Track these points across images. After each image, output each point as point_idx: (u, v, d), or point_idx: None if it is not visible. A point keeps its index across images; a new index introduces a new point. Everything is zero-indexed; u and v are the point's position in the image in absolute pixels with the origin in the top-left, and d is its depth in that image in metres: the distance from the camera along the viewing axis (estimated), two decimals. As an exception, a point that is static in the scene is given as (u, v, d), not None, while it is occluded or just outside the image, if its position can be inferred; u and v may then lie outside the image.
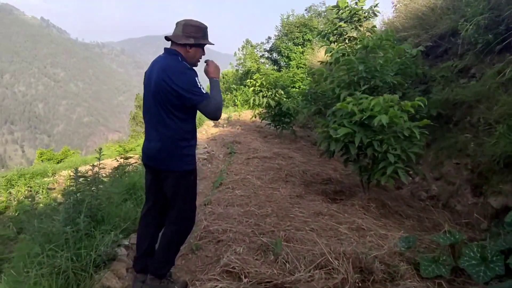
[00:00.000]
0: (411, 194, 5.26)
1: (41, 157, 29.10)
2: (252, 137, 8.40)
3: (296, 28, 25.59)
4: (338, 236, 3.31)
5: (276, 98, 8.44)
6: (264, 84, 8.37)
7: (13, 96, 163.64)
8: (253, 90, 8.58)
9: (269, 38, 28.02)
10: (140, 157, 7.09)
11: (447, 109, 5.23)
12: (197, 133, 9.18)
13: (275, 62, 26.47)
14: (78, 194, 2.85)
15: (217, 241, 3.07)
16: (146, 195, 2.57)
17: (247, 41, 28.51)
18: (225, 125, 10.93)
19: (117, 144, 8.17)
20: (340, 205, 4.24)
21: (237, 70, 28.62)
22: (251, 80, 8.55)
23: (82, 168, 14.37)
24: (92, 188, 3.10)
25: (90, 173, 6.64)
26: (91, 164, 3.75)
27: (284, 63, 25.85)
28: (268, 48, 27.42)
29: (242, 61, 27.89)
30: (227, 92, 28.21)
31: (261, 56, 27.90)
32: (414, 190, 5.32)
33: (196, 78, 2.23)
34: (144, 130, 2.53)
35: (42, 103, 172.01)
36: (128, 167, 8.13)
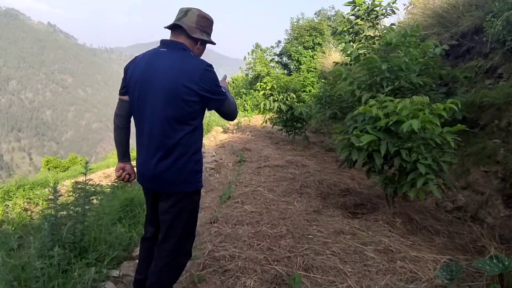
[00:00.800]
0: (436, 205, 4.84)
1: (47, 165, 29.15)
2: (263, 144, 8.04)
3: (306, 31, 25.55)
4: (364, 261, 2.91)
5: (288, 102, 8.08)
6: (275, 87, 8.01)
7: (20, 103, 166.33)
8: (264, 94, 8.23)
9: (279, 42, 28.03)
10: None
11: (473, 113, 4.83)
12: (205, 140, 8.83)
13: (285, 66, 26.44)
14: (58, 216, 2.46)
15: (223, 270, 2.70)
16: (148, 216, 2.21)
17: (257, 45, 28.48)
18: (234, 131, 10.59)
19: None
20: (362, 220, 3.84)
21: (246, 75, 28.63)
22: (261, 84, 8.19)
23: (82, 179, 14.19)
24: (76, 209, 2.70)
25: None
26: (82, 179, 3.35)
27: (294, 67, 25.79)
28: (278, 52, 27.45)
29: (252, 65, 27.84)
30: (236, 97, 28.04)
31: (271, 60, 27.88)
32: (439, 200, 4.90)
33: (215, 73, 1.92)
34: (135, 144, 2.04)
35: (50, 110, 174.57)
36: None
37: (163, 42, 1.96)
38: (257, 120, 12.46)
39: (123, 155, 2.17)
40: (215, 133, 10.45)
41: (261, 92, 8.25)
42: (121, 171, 2.15)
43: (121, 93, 2.06)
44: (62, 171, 24.68)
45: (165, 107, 1.83)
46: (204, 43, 2.01)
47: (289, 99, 8.16)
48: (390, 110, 3.50)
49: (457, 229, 4.00)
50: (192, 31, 1.91)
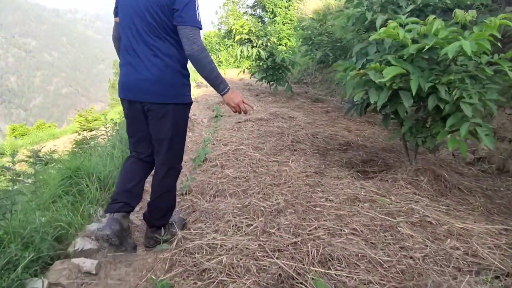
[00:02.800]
0: (453, 157, 4.02)
1: (13, 132, 27.07)
2: (244, 96, 6.96)
3: None
4: (400, 241, 2.02)
5: (268, 48, 6.93)
6: (254, 30, 6.78)
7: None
8: (240, 40, 7.01)
9: None
10: (107, 124, 5.55)
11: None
12: None
13: (259, 18, 24.95)
14: None
15: (200, 270, 1.73)
16: (129, 135, 2.18)
17: None
18: (208, 85, 9.38)
19: (78, 114, 6.72)
20: (377, 181, 2.94)
21: (219, 30, 26.99)
22: (237, 28, 6.94)
23: (40, 148, 12.70)
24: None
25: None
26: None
27: (269, 19, 24.45)
28: (251, 4, 25.83)
29: (224, 19, 26.17)
30: (210, 53, 26.41)
31: (244, 13, 26.25)
32: (456, 151, 4.09)
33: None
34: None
35: (14, 76, 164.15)
36: (90, 143, 6.69)
37: None
38: (233, 73, 11.23)
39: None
40: (187, 88, 9.23)
41: (237, 38, 7.01)
42: None
43: (114, 14, 2.06)
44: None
45: (149, 18, 1.84)
46: None
47: (269, 44, 7.00)
48: (420, 34, 2.50)
49: (488, 185, 3.19)
50: None
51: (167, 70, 1.90)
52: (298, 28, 19.58)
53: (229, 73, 10.64)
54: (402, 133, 2.73)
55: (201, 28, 1.85)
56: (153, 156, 2.14)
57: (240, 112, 2.01)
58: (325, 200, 2.56)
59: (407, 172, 3.00)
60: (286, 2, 23.84)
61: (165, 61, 1.89)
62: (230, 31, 24.96)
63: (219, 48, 24.60)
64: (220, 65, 13.20)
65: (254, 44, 7.01)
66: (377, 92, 2.53)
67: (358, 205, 2.51)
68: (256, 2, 25.36)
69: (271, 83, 7.31)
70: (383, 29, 2.50)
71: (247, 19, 25.38)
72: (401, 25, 2.60)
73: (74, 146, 7.09)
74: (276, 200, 2.54)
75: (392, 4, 3.06)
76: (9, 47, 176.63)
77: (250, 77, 7.67)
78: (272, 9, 23.84)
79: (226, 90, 1.94)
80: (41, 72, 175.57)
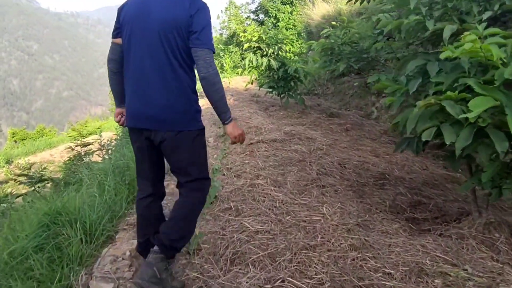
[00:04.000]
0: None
1: (13, 137, 26.50)
2: (250, 110, 6.28)
3: None
4: None
5: (279, 57, 6.26)
6: (264, 38, 6.12)
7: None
8: (249, 48, 6.34)
9: None
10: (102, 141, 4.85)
11: None
12: None
13: (261, 23, 24.47)
14: None
15: None
16: (140, 171, 2.00)
17: (231, 2, 26.24)
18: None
19: (76, 125, 6.05)
20: (438, 238, 2.27)
21: (221, 34, 26.43)
22: (246, 34, 6.28)
23: (35, 158, 11.97)
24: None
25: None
26: None
27: (272, 24, 23.98)
28: (253, 9, 25.38)
29: (226, 24, 25.67)
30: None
31: (246, 18, 25.77)
32: None
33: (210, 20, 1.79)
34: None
35: (16, 79, 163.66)
36: (83, 159, 6.00)
37: None
38: (238, 82, 10.53)
39: (120, 100, 2.02)
40: (190, 99, 8.55)
41: (246, 45, 6.35)
42: (120, 116, 2.08)
43: (113, 36, 1.94)
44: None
45: (161, 42, 1.73)
46: None
47: (281, 52, 6.32)
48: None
49: None
50: None
51: (179, 96, 1.79)
52: (303, 33, 18.95)
53: (233, 82, 9.95)
54: (481, 181, 2.04)
55: (214, 52, 1.78)
56: (163, 192, 2.09)
57: (238, 142, 1.92)
58: (382, 274, 1.87)
59: (475, 226, 2.32)
60: (290, 7, 23.34)
61: (178, 87, 1.78)
62: (233, 36, 24.45)
63: (222, 55, 24.04)
64: (223, 73, 12.47)
65: (264, 53, 6.33)
66: (455, 129, 1.85)
67: (427, 282, 1.83)
68: (258, 7, 24.86)
69: (281, 95, 6.64)
70: (453, 45, 1.83)
71: (249, 24, 24.92)
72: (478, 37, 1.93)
73: (68, 162, 6.42)
74: (316, 274, 1.85)
75: (457, 10, 2.39)
76: (12, 50, 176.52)
77: (259, 89, 6.99)
78: (275, 14, 23.32)
79: (230, 120, 1.85)
80: (43, 75, 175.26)
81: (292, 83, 6.60)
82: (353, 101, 7.70)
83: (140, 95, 1.81)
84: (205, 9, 1.76)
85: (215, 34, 27.49)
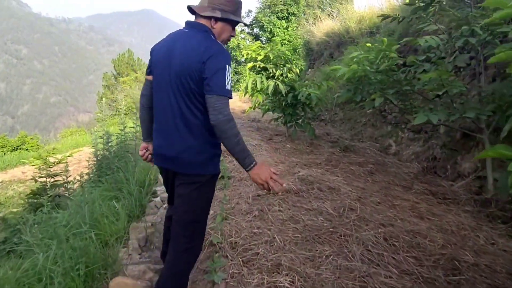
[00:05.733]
0: None
1: (-8, 144, 24.96)
2: (253, 142, 5.23)
3: (279, 0, 23.11)
4: None
5: (289, 78, 5.28)
6: (271, 57, 5.12)
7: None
8: (253, 68, 5.35)
9: (250, 11, 25.39)
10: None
11: None
12: None
13: (256, 38, 23.87)
14: None
15: None
16: (169, 195, 2.12)
17: None
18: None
19: (33, 157, 5.06)
20: None
21: (214, 47, 25.70)
22: (250, 52, 5.28)
23: (5, 175, 10.59)
24: None
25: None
26: None
27: (267, 39, 23.37)
28: (248, 23, 24.81)
29: (219, 36, 24.92)
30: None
31: (241, 31, 25.11)
32: None
33: (228, 65, 1.72)
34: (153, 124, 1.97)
35: (3, 82, 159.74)
36: (48, 193, 4.87)
37: (186, 23, 1.93)
38: (233, 101, 9.52)
39: (147, 135, 2.12)
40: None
41: (249, 65, 5.34)
42: (144, 151, 2.14)
43: (146, 73, 2.02)
44: (10, 151, 20.78)
45: (178, 86, 1.78)
46: (219, 20, 1.86)
47: (290, 74, 5.34)
48: None
49: None
50: (202, 10, 1.86)
51: (194, 139, 1.80)
52: (299, 50, 18.13)
53: (231, 104, 8.94)
54: None
55: (230, 98, 1.71)
56: None
57: (268, 190, 1.72)
58: None
59: None
60: (286, 22, 22.71)
61: (192, 131, 1.79)
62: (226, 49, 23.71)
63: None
64: None
65: (271, 74, 5.34)
66: None
67: None
68: (253, 21, 24.20)
69: (289, 124, 5.64)
70: None
71: (243, 38, 24.18)
72: None
73: (29, 196, 5.26)
74: None
75: None
76: (0, 54, 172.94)
77: (262, 116, 5.98)
78: (271, 29, 22.70)
79: (252, 165, 1.71)
80: (31, 80, 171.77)
81: (300, 110, 5.62)
82: (366, 131, 6.75)
83: (161, 135, 1.88)
84: (219, 54, 1.72)
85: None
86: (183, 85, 1.75)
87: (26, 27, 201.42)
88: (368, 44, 3.35)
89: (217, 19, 1.86)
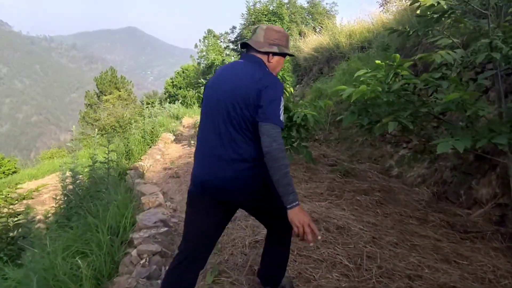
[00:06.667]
0: None
1: (-33, 167, 23.68)
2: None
3: (264, 16, 23.00)
4: None
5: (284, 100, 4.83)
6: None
7: None
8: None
9: (234, 27, 25.21)
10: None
11: None
12: (148, 159, 5.47)
13: (241, 54, 23.52)
14: None
15: None
16: (188, 236, 1.90)
17: (209, 31, 25.40)
18: (193, 141, 7.05)
19: (9, 185, 4.46)
20: None
21: (199, 64, 25.42)
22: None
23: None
24: None
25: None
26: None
27: (252, 55, 23.11)
28: (233, 39, 24.58)
29: (204, 53, 24.62)
30: (188, 88, 24.44)
31: (225, 48, 24.85)
32: None
33: (282, 97, 1.76)
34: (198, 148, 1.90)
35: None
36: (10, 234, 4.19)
37: (243, 56, 1.95)
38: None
39: None
40: (163, 144, 6.83)
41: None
42: None
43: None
44: (-16, 175, 19.62)
45: (230, 111, 1.75)
46: (277, 55, 1.92)
47: (286, 93, 4.88)
48: None
49: None
50: (259, 46, 1.90)
51: (246, 170, 1.75)
52: (285, 64, 17.87)
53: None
54: None
55: (282, 128, 1.74)
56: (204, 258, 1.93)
57: (301, 237, 1.63)
58: None
59: None
60: (271, 38, 22.58)
61: (239, 159, 1.74)
62: (211, 66, 23.26)
63: (202, 83, 22.80)
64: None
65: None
66: None
67: None
68: (238, 37, 23.99)
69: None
70: None
71: (228, 54, 23.87)
72: None
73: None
74: None
75: None
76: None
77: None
78: (256, 45, 22.48)
79: (295, 204, 1.64)
80: (10, 99, 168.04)
81: (295, 132, 5.13)
82: (364, 151, 6.31)
83: (204, 164, 1.82)
84: (275, 85, 1.76)
85: (192, 63, 26.29)
86: (235, 112, 1.74)
87: (6, 46, 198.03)
88: (378, 61, 2.90)
89: (274, 54, 1.90)
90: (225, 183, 1.75)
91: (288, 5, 23.79)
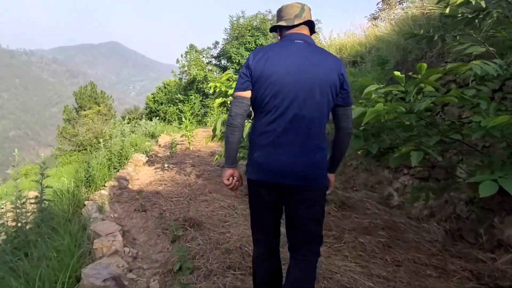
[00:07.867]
0: None
1: None
2: (225, 200, 3.93)
3: (247, 31, 22.66)
4: None
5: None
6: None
7: None
8: (223, 105, 4.10)
9: (217, 43, 24.73)
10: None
11: None
12: (113, 183, 4.74)
13: (224, 69, 22.97)
14: None
15: None
16: (264, 227, 1.87)
17: (192, 46, 24.77)
18: (166, 162, 6.23)
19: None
20: None
21: (180, 79, 24.72)
22: (218, 84, 4.07)
23: None
24: None
25: None
26: None
27: (235, 71, 22.54)
28: (215, 54, 24.07)
29: (186, 68, 23.97)
30: (169, 104, 23.60)
31: (208, 63, 24.30)
32: None
33: None
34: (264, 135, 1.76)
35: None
36: None
37: (296, 35, 1.80)
38: (199, 140, 8.20)
39: (234, 159, 1.87)
40: (133, 167, 5.97)
41: (218, 101, 4.10)
42: (231, 178, 1.87)
43: (242, 89, 1.78)
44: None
45: (314, 96, 1.70)
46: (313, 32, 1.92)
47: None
48: None
49: None
50: (314, 24, 1.88)
51: (320, 152, 1.75)
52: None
53: (195, 142, 7.57)
54: None
55: None
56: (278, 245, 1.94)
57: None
58: None
59: None
60: (254, 54, 22.13)
61: (320, 144, 1.75)
62: (193, 81, 22.52)
63: (181, 99, 22.07)
64: (182, 129, 9.77)
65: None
66: None
67: None
68: (221, 52, 23.47)
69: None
70: None
71: (210, 70, 23.24)
72: None
73: None
74: None
75: None
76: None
77: (238, 163, 4.74)
78: (239, 60, 21.92)
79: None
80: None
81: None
82: (359, 176, 5.65)
83: (281, 150, 1.73)
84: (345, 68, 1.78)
85: (174, 78, 25.59)
86: (321, 96, 1.70)
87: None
88: (397, 73, 2.22)
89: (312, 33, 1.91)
90: (298, 167, 1.70)
91: (271, 21, 23.51)
